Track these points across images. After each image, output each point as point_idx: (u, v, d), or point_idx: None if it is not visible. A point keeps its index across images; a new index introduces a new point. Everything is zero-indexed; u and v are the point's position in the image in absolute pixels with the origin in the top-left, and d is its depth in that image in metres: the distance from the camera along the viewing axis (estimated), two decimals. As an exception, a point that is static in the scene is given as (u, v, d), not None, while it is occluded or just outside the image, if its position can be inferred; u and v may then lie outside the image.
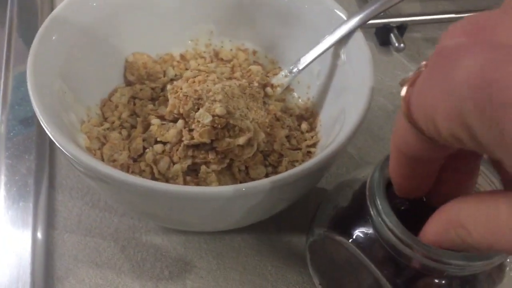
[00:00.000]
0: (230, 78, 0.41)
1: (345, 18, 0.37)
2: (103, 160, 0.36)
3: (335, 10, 0.38)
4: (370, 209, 0.27)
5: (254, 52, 0.45)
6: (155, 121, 0.38)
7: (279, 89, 0.40)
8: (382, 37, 0.54)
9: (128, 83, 0.42)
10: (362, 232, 0.30)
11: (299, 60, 0.40)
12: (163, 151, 0.36)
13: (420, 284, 0.27)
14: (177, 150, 0.36)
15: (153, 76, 0.43)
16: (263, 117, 0.38)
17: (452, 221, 0.20)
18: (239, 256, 0.39)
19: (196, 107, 0.35)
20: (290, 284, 0.38)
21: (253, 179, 0.37)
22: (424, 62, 0.20)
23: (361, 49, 0.36)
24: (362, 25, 0.36)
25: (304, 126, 0.40)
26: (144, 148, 0.37)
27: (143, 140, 0.37)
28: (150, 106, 0.40)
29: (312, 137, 0.40)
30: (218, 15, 0.44)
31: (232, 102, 0.36)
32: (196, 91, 0.35)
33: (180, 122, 0.36)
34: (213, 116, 0.34)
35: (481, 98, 0.15)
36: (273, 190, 0.29)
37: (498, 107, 0.15)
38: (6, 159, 0.42)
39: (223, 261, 0.39)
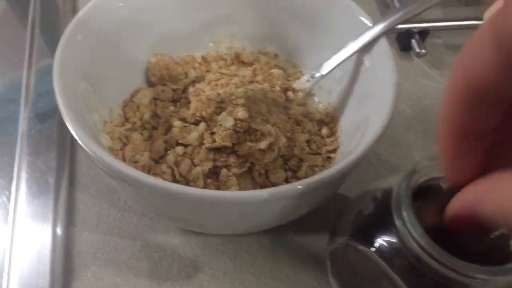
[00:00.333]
0: (251, 82, 0.41)
1: (370, 25, 0.37)
2: (124, 160, 0.36)
3: (360, 16, 0.38)
4: (395, 219, 0.27)
5: (276, 56, 0.45)
6: (177, 123, 0.38)
7: (300, 94, 0.40)
8: (403, 42, 0.53)
9: (150, 84, 0.43)
10: (385, 241, 0.29)
11: (321, 65, 0.40)
12: (184, 153, 0.37)
13: (442, 296, 0.27)
14: (198, 152, 0.36)
15: (175, 77, 0.43)
16: (284, 121, 0.38)
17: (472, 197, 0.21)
18: (256, 259, 0.39)
19: (218, 110, 0.35)
20: (307, 289, 0.38)
21: (273, 183, 0.37)
22: None
23: (385, 56, 0.35)
24: (387, 32, 0.36)
25: (325, 131, 0.40)
26: (166, 150, 0.37)
27: (165, 142, 0.37)
28: (172, 107, 0.40)
29: (332, 142, 0.40)
30: (240, 17, 0.44)
31: (254, 106, 0.36)
32: (218, 94, 0.36)
33: (202, 125, 0.36)
34: (235, 120, 0.34)
35: None
36: (304, 195, 0.29)
37: None
38: (28, 156, 0.43)
39: (239, 263, 0.39)
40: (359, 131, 0.36)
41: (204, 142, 0.36)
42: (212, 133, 0.36)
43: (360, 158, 0.30)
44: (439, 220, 0.26)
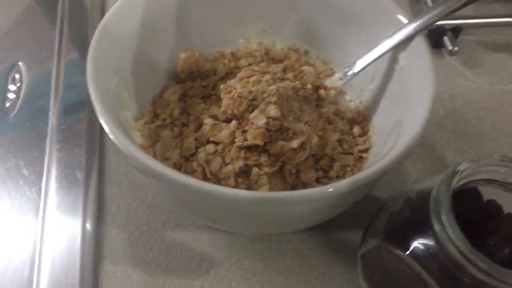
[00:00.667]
0: (282, 79, 0.40)
1: (406, 22, 0.36)
2: (155, 157, 0.36)
3: (396, 13, 0.37)
4: (434, 223, 0.26)
5: (306, 52, 0.44)
6: (208, 121, 0.37)
7: (332, 92, 0.40)
8: (435, 39, 0.52)
9: (179, 81, 0.42)
10: (421, 245, 0.29)
11: (354, 63, 0.39)
12: (215, 152, 0.36)
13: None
14: (229, 151, 0.36)
15: (204, 74, 0.42)
16: (316, 120, 0.37)
17: None
18: (285, 259, 0.39)
19: (250, 108, 0.35)
20: (336, 291, 0.37)
21: (303, 183, 0.36)
22: None
23: (422, 55, 0.34)
24: (423, 30, 0.35)
25: (356, 130, 0.40)
26: (196, 148, 0.37)
27: (195, 140, 0.37)
28: (202, 105, 0.40)
29: (364, 142, 0.39)
30: (271, 13, 0.43)
31: (286, 104, 0.35)
32: (250, 92, 0.35)
33: (234, 123, 0.36)
34: (267, 118, 0.34)
35: None
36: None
37: None
38: (57, 152, 0.43)
39: (268, 263, 0.38)
40: (393, 133, 0.35)
41: (236, 140, 0.36)
42: (244, 131, 0.36)
43: (397, 160, 0.29)
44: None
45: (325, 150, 0.38)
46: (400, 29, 0.36)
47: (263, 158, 0.35)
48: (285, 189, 0.36)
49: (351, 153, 0.38)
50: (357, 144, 0.39)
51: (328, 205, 0.31)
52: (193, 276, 0.37)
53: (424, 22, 0.36)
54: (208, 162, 0.36)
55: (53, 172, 0.42)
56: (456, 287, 0.27)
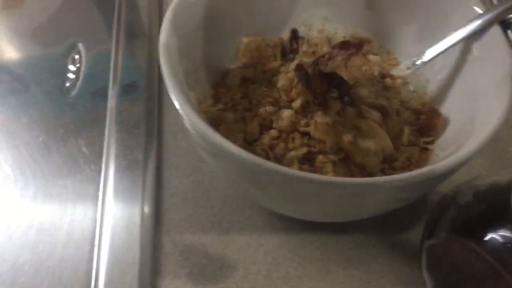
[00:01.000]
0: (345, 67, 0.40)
1: (480, 12, 0.35)
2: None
3: (469, 1, 0.36)
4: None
5: (369, 41, 0.43)
6: (269, 107, 0.37)
7: (399, 81, 0.39)
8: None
9: (241, 65, 0.42)
10: (496, 238, 0.28)
11: (423, 52, 0.38)
12: (278, 137, 0.36)
13: None
14: (292, 138, 0.35)
15: (265, 59, 0.42)
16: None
17: None
18: (343, 249, 0.38)
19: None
20: (396, 283, 0.37)
21: (368, 173, 0.36)
22: None
23: (499, 47, 0.33)
24: (501, 19, 0.34)
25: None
26: (259, 133, 0.37)
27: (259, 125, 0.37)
28: (263, 89, 0.40)
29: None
30: (335, 0, 0.43)
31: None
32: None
33: (290, 112, 0.36)
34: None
35: None
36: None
37: None
38: (116, 133, 0.43)
39: (326, 252, 0.38)
40: (464, 126, 0.34)
41: (298, 128, 0.35)
42: (304, 117, 0.36)
43: (471, 156, 0.29)
44: None
45: (390, 140, 0.37)
46: (475, 19, 0.35)
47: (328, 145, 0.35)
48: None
49: (416, 144, 0.37)
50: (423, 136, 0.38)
51: (399, 195, 0.31)
52: (250, 262, 0.37)
53: (500, 12, 0.34)
54: (271, 147, 0.36)
55: (112, 152, 0.42)
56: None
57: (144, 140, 0.43)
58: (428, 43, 0.38)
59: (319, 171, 0.35)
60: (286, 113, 0.36)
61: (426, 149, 0.37)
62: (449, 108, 0.38)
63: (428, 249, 0.33)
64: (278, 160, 0.35)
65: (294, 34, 0.44)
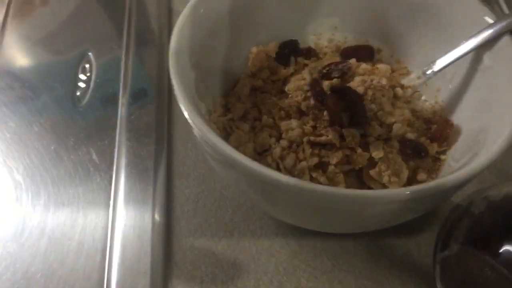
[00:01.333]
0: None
1: (491, 21, 0.35)
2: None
3: (480, 11, 0.36)
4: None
5: (379, 50, 0.43)
6: (279, 118, 0.37)
7: (409, 91, 0.39)
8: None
9: (251, 75, 0.42)
10: (511, 250, 0.28)
11: (434, 61, 0.38)
12: (289, 147, 0.36)
13: None
14: (303, 149, 0.35)
15: (275, 68, 0.42)
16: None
17: None
18: (355, 259, 0.38)
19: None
20: (408, 295, 0.37)
21: (379, 183, 0.36)
22: None
23: (510, 56, 0.33)
24: (511, 29, 0.34)
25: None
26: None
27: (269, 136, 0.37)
28: (273, 99, 0.40)
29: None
30: (343, 9, 0.43)
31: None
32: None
33: (297, 122, 0.36)
34: None
35: None
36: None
37: None
38: (127, 141, 0.43)
39: (338, 262, 0.38)
40: (476, 136, 0.34)
41: (306, 138, 0.35)
42: (314, 127, 0.36)
43: (480, 170, 0.28)
44: None
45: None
46: (486, 28, 0.35)
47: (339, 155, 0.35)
48: (361, 188, 0.35)
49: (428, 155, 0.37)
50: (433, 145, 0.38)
51: (411, 207, 0.30)
52: (262, 272, 0.37)
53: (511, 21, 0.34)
54: (282, 158, 0.36)
55: (123, 160, 0.42)
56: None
57: (154, 149, 0.43)
58: (439, 53, 0.38)
59: (330, 181, 0.35)
60: (296, 124, 0.36)
61: (439, 159, 0.37)
62: (460, 117, 0.38)
63: (442, 261, 0.33)
64: (289, 171, 0.35)
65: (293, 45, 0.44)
